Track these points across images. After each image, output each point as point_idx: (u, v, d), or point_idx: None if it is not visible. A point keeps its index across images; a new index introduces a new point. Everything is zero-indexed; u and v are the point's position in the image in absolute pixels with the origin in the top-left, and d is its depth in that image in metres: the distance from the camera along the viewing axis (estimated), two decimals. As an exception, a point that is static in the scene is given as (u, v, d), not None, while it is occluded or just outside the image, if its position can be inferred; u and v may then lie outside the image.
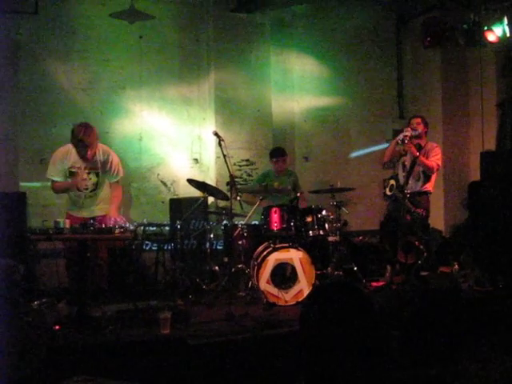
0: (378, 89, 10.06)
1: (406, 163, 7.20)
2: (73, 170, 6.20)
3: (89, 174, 6.25)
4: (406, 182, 7.03)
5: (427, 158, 7.16)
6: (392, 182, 7.16)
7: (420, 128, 7.25)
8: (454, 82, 9.54)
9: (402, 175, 7.22)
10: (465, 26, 8.13)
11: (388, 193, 7.17)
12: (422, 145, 7.22)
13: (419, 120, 7.33)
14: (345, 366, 2.14)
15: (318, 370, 2.18)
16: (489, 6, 7.91)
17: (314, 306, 2.26)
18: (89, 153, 6.08)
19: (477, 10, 8.01)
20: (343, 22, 9.69)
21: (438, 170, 7.31)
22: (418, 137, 7.22)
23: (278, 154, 8.12)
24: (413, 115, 7.73)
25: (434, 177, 7.28)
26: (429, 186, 7.25)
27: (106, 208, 6.39)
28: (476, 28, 8.02)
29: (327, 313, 2.21)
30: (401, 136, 7.04)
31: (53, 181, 6.29)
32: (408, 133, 7.03)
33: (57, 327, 5.33)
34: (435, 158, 7.17)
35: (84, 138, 5.99)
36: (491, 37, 7.95)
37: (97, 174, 6.29)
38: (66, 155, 6.18)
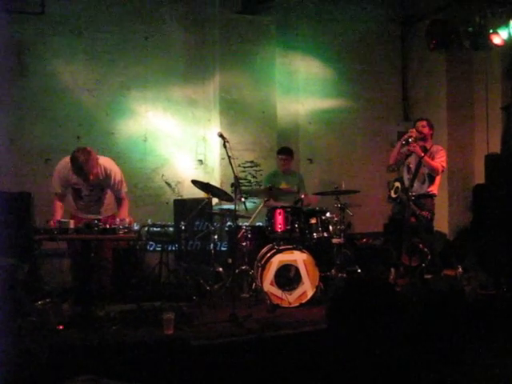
0: (383, 91, 10.07)
1: (411, 165, 7.20)
2: (76, 187, 6.19)
3: (92, 190, 6.23)
4: (411, 185, 7.02)
5: (432, 159, 7.16)
6: (397, 184, 7.14)
7: (425, 131, 7.24)
8: (459, 84, 9.53)
9: (406, 177, 7.21)
10: (470, 28, 8.13)
11: (393, 195, 7.16)
12: (428, 147, 7.21)
13: (424, 123, 7.32)
14: (363, 362, 2.15)
15: (343, 366, 2.18)
16: (494, 8, 7.90)
17: (346, 302, 2.26)
18: (90, 177, 5.99)
19: (482, 13, 8.00)
20: (348, 25, 9.70)
21: (442, 171, 7.29)
22: (424, 139, 7.22)
23: (285, 152, 8.20)
24: (418, 118, 7.71)
25: (438, 179, 7.27)
26: (433, 189, 7.23)
27: (110, 211, 6.38)
28: (481, 31, 8.02)
29: (359, 309, 2.20)
30: (405, 137, 7.05)
31: (55, 194, 6.22)
32: (413, 134, 7.03)
33: (60, 327, 5.35)
34: (440, 160, 7.16)
35: (82, 165, 5.85)
36: (497, 40, 7.94)
37: (101, 189, 6.27)
38: (70, 170, 6.07)
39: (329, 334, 2.19)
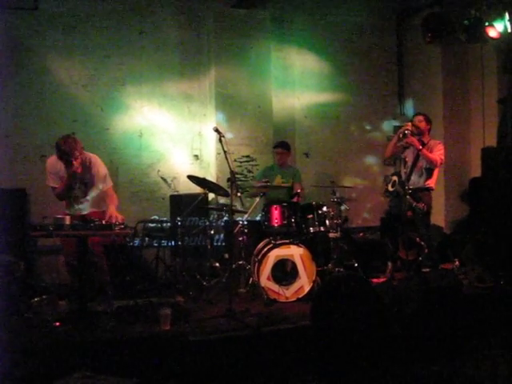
0: (379, 85, 10.05)
1: (407, 159, 7.18)
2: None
3: (77, 184, 6.17)
4: (408, 178, 7.02)
5: (430, 152, 7.16)
6: (394, 178, 7.16)
7: (422, 125, 7.26)
8: (455, 77, 9.52)
9: (403, 171, 7.21)
10: (466, 21, 8.11)
11: (390, 189, 7.17)
12: (426, 142, 7.22)
13: (421, 118, 7.34)
14: (354, 354, 2.16)
15: (329, 360, 2.20)
16: (490, 1, 7.88)
17: (325, 299, 2.27)
18: (74, 163, 5.92)
19: (478, 6, 7.98)
20: (344, 18, 9.68)
21: (441, 164, 7.29)
22: (421, 134, 7.23)
23: (281, 146, 8.15)
24: (416, 113, 7.72)
25: (436, 173, 7.28)
26: (431, 182, 7.24)
27: (100, 205, 6.30)
28: (477, 24, 8.00)
29: (338, 304, 2.22)
30: (401, 130, 7.05)
31: (52, 188, 6.16)
32: (408, 127, 7.04)
33: (57, 324, 5.34)
34: (439, 153, 7.17)
35: (65, 148, 5.83)
36: (492, 33, 7.92)
37: (85, 185, 6.22)
38: (57, 165, 6.07)
39: (312, 330, 2.22)
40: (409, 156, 7.21)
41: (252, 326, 5.43)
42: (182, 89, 8.80)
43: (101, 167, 6.24)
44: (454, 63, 9.50)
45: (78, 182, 6.16)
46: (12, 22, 7.86)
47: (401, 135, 7.05)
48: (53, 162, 6.12)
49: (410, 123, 7.16)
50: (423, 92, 9.89)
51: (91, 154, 6.26)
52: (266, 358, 5.04)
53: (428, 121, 7.37)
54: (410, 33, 10.00)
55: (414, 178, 7.16)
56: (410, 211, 6.87)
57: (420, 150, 7.04)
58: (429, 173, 7.21)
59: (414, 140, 7.06)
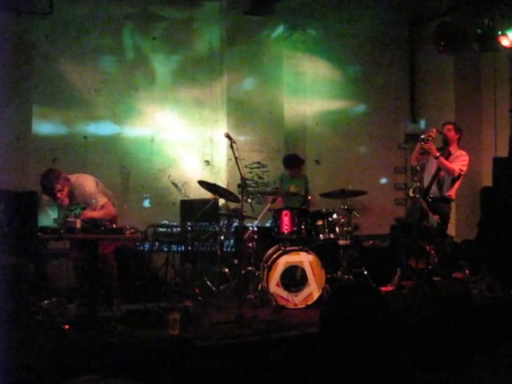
0: (391, 93, 10.04)
1: (418, 168, 7.12)
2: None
3: (72, 211, 6.12)
4: (429, 187, 7.02)
5: (452, 162, 7.05)
6: (417, 184, 7.06)
7: (450, 134, 7.15)
8: (467, 86, 9.50)
9: (425, 178, 7.15)
10: (478, 30, 8.08)
11: (411, 194, 7.07)
12: (452, 152, 7.13)
13: (451, 126, 7.22)
14: (362, 364, 2.16)
15: (337, 369, 2.20)
16: (503, 10, 7.86)
17: (334, 307, 2.28)
18: (58, 197, 5.86)
19: (490, 15, 7.96)
20: (356, 26, 9.67)
21: (459, 175, 7.10)
22: (448, 143, 7.14)
23: (294, 163, 8.15)
24: (446, 121, 7.56)
25: (457, 184, 7.13)
26: (451, 193, 7.09)
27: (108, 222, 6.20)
28: (490, 33, 7.97)
29: (347, 313, 2.23)
30: (426, 135, 6.95)
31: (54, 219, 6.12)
32: (432, 134, 6.93)
33: (66, 327, 5.35)
34: (460, 164, 7.01)
35: (46, 184, 5.84)
36: (505, 41, 7.89)
37: (83, 208, 6.16)
38: (47, 198, 6.08)
39: (321, 338, 2.23)
40: (433, 164, 7.11)
41: (260, 333, 5.43)
42: (194, 94, 8.83)
43: (86, 187, 6.07)
44: (467, 72, 9.49)
45: (73, 207, 6.11)
46: (26, 26, 7.93)
47: (426, 138, 6.89)
48: (44, 196, 6.14)
49: (435, 129, 7.04)
50: (435, 100, 9.88)
51: (76, 177, 6.12)
52: (274, 364, 5.04)
53: (458, 130, 7.23)
54: (422, 41, 9.99)
55: (434, 187, 7.06)
56: (425, 221, 6.84)
57: (437, 157, 6.93)
58: (450, 183, 7.08)
59: (432, 147, 6.89)
